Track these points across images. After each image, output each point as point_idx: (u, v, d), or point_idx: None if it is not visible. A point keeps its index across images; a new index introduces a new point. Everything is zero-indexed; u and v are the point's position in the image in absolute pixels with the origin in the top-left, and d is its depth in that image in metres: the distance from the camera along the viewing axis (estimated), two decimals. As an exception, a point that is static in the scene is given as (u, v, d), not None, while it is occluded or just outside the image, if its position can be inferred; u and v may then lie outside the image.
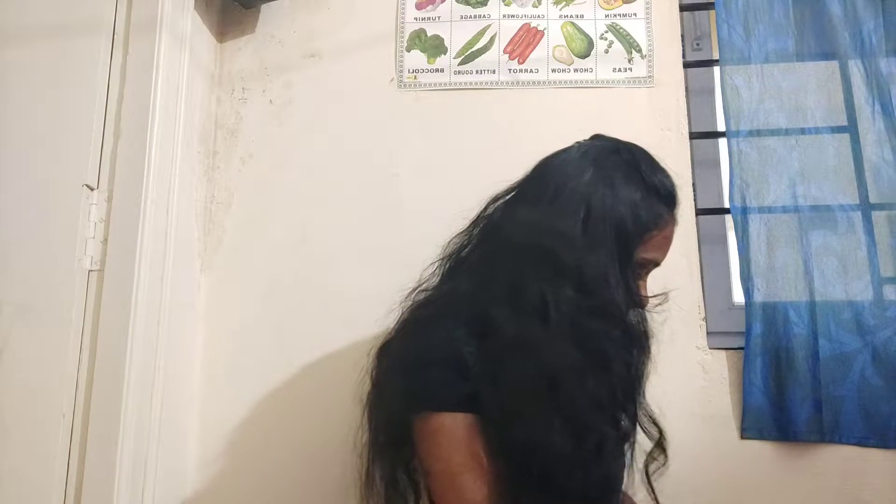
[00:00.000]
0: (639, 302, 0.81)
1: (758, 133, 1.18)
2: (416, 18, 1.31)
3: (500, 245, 0.81)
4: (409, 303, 0.86)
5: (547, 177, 0.82)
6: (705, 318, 1.16)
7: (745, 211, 1.16)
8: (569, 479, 0.69)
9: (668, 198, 0.80)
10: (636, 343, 0.84)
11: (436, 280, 0.88)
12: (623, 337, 0.77)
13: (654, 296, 0.84)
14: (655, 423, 0.86)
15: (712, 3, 1.26)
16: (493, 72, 1.28)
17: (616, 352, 0.75)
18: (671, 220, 0.80)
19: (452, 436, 0.72)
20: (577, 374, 0.71)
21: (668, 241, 0.81)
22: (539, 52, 1.28)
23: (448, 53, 1.29)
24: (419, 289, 0.88)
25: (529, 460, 0.69)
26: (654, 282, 1.14)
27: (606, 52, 1.27)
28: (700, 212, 1.21)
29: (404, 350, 0.79)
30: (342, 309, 1.19)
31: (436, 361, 0.74)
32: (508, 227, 0.81)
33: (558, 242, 0.74)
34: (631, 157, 0.80)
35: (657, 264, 0.82)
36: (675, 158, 1.20)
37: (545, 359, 0.71)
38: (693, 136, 1.24)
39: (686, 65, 1.27)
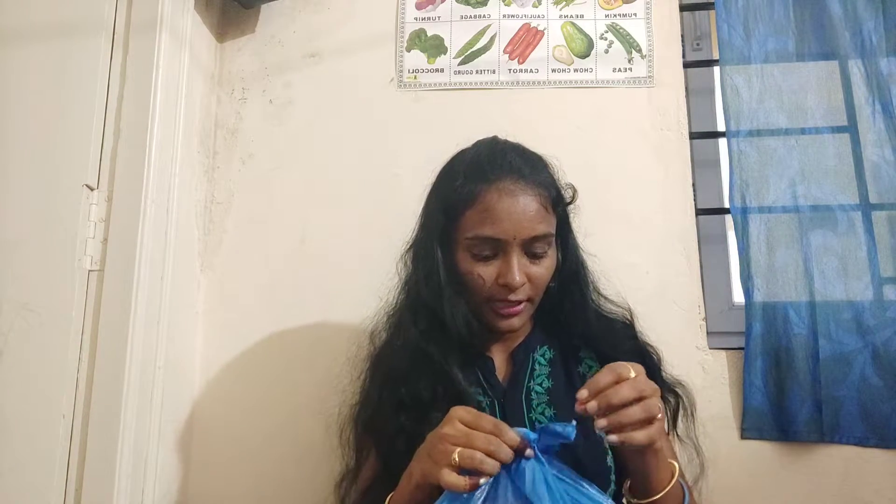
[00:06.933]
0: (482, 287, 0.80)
1: (758, 133, 1.18)
2: (416, 18, 1.31)
3: None
4: None
5: None
6: (705, 319, 1.16)
7: (745, 211, 1.15)
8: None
9: (481, 174, 0.80)
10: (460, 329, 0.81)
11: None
12: (429, 322, 0.82)
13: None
14: None
15: (712, 3, 1.26)
16: (493, 72, 1.28)
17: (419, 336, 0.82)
18: (489, 193, 0.78)
19: None
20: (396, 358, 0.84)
21: (491, 213, 0.77)
22: (539, 52, 1.28)
23: (448, 53, 1.29)
24: None
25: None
26: (653, 279, 1.15)
27: (606, 52, 1.27)
28: (700, 212, 1.21)
29: None
30: (342, 309, 1.19)
31: None
32: None
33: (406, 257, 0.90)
34: (465, 153, 0.87)
35: (497, 240, 0.78)
36: (675, 158, 1.21)
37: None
38: (693, 136, 1.24)
39: (686, 65, 1.27)
